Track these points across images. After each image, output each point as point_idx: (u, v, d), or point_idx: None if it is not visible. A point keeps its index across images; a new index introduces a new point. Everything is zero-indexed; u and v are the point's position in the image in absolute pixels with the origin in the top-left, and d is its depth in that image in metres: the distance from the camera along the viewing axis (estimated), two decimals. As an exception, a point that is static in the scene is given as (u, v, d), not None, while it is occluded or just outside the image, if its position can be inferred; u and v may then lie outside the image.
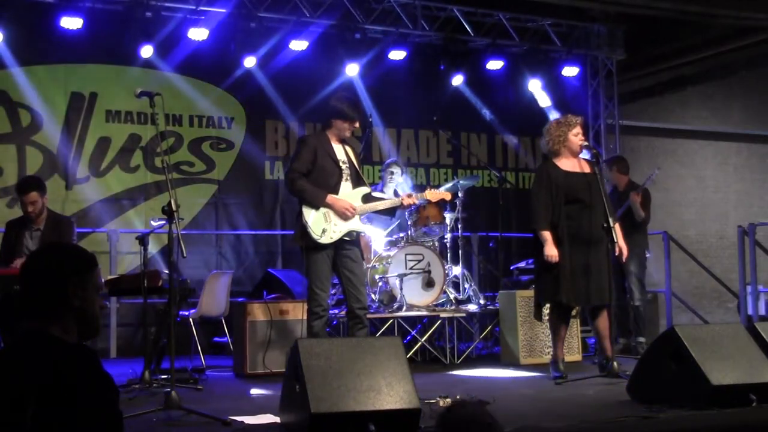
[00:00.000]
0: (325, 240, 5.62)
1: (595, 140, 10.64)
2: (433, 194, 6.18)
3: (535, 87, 10.28)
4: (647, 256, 8.18)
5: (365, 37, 9.38)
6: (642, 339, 7.75)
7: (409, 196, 5.97)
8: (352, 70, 9.33)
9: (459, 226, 8.02)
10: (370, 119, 7.83)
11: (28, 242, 6.26)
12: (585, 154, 6.23)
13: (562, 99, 10.55)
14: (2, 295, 5.68)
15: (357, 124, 5.84)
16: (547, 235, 5.83)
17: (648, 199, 7.97)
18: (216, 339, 8.06)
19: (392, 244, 7.72)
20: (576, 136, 5.99)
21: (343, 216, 5.65)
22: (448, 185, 7.72)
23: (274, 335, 6.62)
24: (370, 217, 6.39)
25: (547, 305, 6.15)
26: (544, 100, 10.36)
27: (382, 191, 7.86)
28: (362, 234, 6.05)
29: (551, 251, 5.79)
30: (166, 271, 6.04)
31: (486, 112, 10.25)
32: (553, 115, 10.17)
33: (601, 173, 6.11)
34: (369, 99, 9.42)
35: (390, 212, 6.09)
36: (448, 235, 7.89)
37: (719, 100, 13.20)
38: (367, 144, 8.82)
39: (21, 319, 2.26)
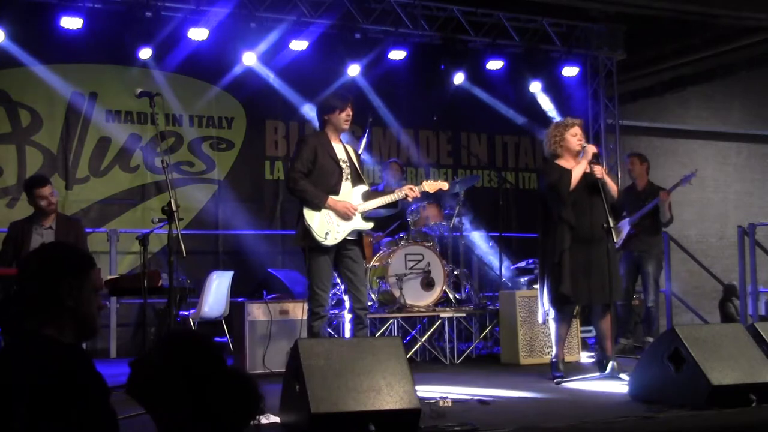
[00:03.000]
0: (329, 242, 5.61)
1: (595, 140, 10.63)
2: (430, 185, 6.12)
3: (536, 89, 10.29)
4: None
5: (365, 37, 9.37)
6: (651, 339, 7.76)
7: (412, 189, 5.94)
8: (353, 70, 9.33)
9: (459, 225, 8.02)
10: (371, 119, 7.82)
11: (37, 242, 6.22)
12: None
13: (562, 99, 10.55)
14: (2, 296, 5.69)
15: (350, 112, 5.80)
16: (575, 170, 5.85)
17: None
18: (216, 339, 8.05)
19: (392, 244, 7.72)
20: (574, 137, 6.00)
21: (345, 216, 5.64)
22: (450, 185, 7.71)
23: (274, 335, 6.62)
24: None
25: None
26: (545, 101, 10.38)
27: (383, 190, 7.85)
28: (365, 232, 6.04)
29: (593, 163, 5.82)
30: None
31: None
32: (554, 116, 10.22)
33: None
34: (369, 99, 9.42)
35: (393, 206, 6.07)
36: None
37: (719, 100, 13.20)
38: (367, 144, 8.82)
39: (18, 319, 2.26)
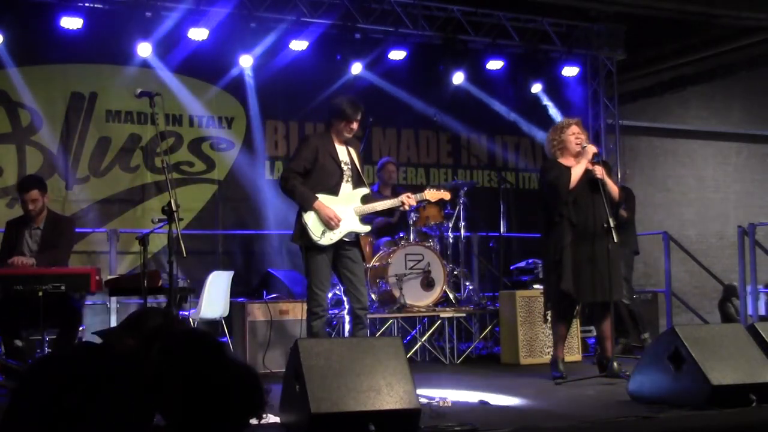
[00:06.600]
0: (324, 241, 5.61)
1: (595, 140, 10.61)
2: (432, 194, 6.14)
3: (536, 89, 10.29)
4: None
5: (365, 38, 9.37)
6: (646, 335, 7.78)
7: (408, 197, 5.94)
8: (354, 70, 9.32)
9: (459, 225, 8.02)
10: (370, 120, 7.83)
11: (27, 241, 6.26)
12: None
13: (562, 99, 10.55)
14: (2, 296, 5.69)
15: (354, 125, 5.82)
16: (575, 169, 5.87)
17: (631, 198, 7.90)
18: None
19: (392, 244, 7.72)
20: (572, 136, 6.01)
21: (327, 225, 5.62)
22: (447, 185, 7.71)
23: (274, 335, 6.62)
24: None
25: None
26: (545, 101, 10.38)
27: (378, 190, 7.86)
28: (363, 234, 6.03)
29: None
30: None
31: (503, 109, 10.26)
32: (554, 116, 10.23)
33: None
34: (369, 99, 9.41)
35: (389, 213, 6.06)
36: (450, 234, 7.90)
37: (719, 100, 13.20)
38: (367, 144, 8.83)
39: None
